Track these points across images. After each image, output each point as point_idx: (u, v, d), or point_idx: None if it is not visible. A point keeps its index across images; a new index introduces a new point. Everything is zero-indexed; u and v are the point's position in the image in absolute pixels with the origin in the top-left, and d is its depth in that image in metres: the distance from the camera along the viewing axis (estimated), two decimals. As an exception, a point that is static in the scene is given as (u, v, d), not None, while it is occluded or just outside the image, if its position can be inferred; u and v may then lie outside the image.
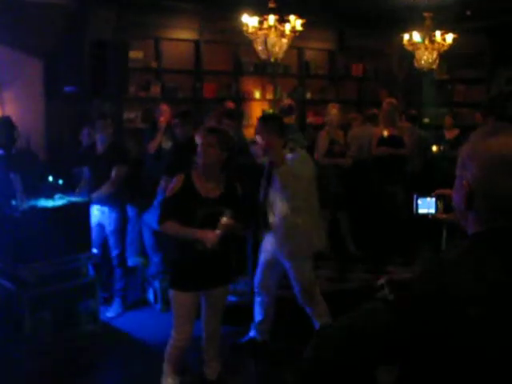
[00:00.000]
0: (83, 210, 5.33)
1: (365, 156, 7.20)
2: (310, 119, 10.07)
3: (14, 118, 5.46)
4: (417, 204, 2.24)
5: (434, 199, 2.20)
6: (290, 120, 6.70)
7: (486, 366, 1.22)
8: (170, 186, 3.78)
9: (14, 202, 4.94)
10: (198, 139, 3.87)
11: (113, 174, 5.56)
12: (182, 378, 3.98)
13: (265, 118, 4.54)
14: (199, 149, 3.74)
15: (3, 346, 4.62)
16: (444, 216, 2.19)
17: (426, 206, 2.22)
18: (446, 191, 2.17)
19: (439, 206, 2.19)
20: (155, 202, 5.80)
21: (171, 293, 3.85)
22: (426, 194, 2.23)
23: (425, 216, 2.23)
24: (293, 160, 4.26)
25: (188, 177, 3.75)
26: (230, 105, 8.15)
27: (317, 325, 4.60)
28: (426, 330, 1.24)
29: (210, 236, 3.60)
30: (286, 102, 7.14)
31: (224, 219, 3.62)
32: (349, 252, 7.17)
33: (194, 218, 3.67)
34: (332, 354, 1.30)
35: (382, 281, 1.34)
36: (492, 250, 1.30)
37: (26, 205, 4.94)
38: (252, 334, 4.87)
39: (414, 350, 1.26)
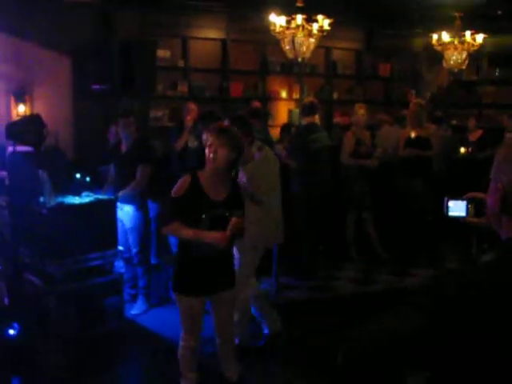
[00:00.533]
0: (109, 208, 5.36)
1: (391, 157, 7.14)
2: (337, 119, 10.02)
3: (43, 116, 5.51)
4: (447, 206, 2.20)
5: (465, 202, 2.16)
6: (311, 119, 6.61)
7: None
8: (175, 186, 3.67)
9: (42, 199, 4.99)
10: (207, 139, 3.74)
11: (137, 173, 5.58)
12: (198, 375, 3.96)
13: (231, 118, 4.60)
14: (209, 150, 3.61)
15: (30, 341, 4.67)
16: (475, 220, 2.15)
17: (457, 209, 2.18)
18: (478, 194, 2.13)
19: (470, 209, 2.15)
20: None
21: (175, 297, 3.80)
22: (456, 196, 2.20)
23: (455, 219, 2.19)
24: (259, 157, 4.50)
25: (195, 178, 3.65)
26: (257, 104, 8.15)
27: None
28: (460, 333, 1.22)
29: (220, 237, 3.52)
30: (308, 100, 7.06)
31: (234, 219, 3.55)
32: (374, 253, 7.12)
33: (200, 220, 3.56)
34: (364, 360, 1.28)
35: (415, 284, 1.33)
36: None
37: (54, 202, 4.98)
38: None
39: (447, 354, 1.24)
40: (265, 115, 9.16)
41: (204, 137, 4.42)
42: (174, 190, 3.64)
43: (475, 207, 2.13)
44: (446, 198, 2.21)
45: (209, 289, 3.73)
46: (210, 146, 3.62)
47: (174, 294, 3.80)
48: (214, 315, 3.88)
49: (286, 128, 8.53)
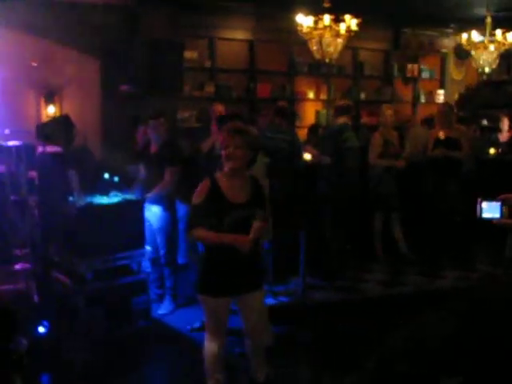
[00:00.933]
0: (137, 208, 5.39)
1: (419, 157, 7.08)
2: (364, 120, 9.96)
3: (71, 117, 5.57)
4: (481, 208, 2.16)
5: (499, 204, 2.12)
6: (344, 119, 6.63)
7: None
8: (196, 191, 3.64)
9: (71, 199, 5.04)
10: (221, 140, 3.67)
11: (165, 175, 5.60)
12: (224, 376, 3.95)
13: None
14: (226, 151, 3.56)
15: (58, 339, 4.72)
16: (509, 221, 2.10)
17: (491, 210, 2.13)
18: None
19: (505, 211, 2.10)
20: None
21: (200, 298, 3.77)
22: (489, 197, 2.15)
23: (489, 221, 2.14)
24: None
25: (214, 182, 3.61)
26: (283, 104, 8.09)
27: None
28: (491, 342, 1.19)
29: (243, 241, 3.49)
30: (343, 101, 7.07)
31: (257, 223, 3.51)
32: (401, 254, 7.05)
33: (222, 224, 3.53)
34: (399, 366, 1.26)
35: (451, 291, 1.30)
36: None
37: (83, 201, 5.02)
38: None
39: (479, 363, 1.21)
40: (292, 115, 9.14)
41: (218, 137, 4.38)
42: (194, 195, 3.61)
43: (509, 209, 2.09)
44: (478, 200, 2.17)
45: (233, 290, 3.69)
46: (226, 146, 3.57)
47: (199, 296, 3.77)
48: (242, 316, 3.84)
49: (313, 129, 8.50)
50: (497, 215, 2.12)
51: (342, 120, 6.63)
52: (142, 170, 5.92)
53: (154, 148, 5.78)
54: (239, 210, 3.56)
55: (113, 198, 5.27)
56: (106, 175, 5.40)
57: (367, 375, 1.30)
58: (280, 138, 6.37)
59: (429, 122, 7.79)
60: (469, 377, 1.27)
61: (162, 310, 5.75)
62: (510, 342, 1.19)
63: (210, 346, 3.82)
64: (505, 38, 8.03)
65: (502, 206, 2.11)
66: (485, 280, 1.52)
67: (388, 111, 7.06)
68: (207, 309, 3.74)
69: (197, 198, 3.59)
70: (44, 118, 7.19)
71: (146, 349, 5.06)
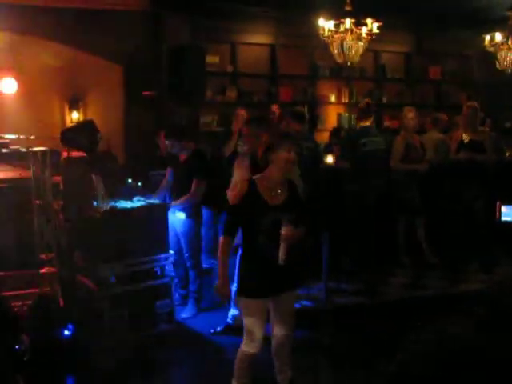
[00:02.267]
0: (161, 213, 5.43)
1: (441, 161, 7.01)
2: (387, 123, 9.92)
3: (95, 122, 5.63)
4: (500, 212, 2.15)
5: None
6: (367, 122, 6.60)
7: None
8: (233, 193, 3.72)
9: (95, 203, 5.09)
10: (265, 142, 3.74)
11: (192, 186, 5.63)
12: (251, 382, 3.97)
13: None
14: (268, 153, 3.67)
15: (83, 341, 4.77)
16: None
17: (511, 214, 2.12)
18: None
19: None
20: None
21: (240, 300, 3.83)
22: (510, 201, 2.14)
23: (508, 224, 2.13)
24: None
25: (253, 183, 3.67)
26: (299, 108, 7.92)
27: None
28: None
29: (219, 287, 3.64)
30: (363, 102, 7.03)
31: (284, 230, 3.53)
32: (425, 258, 7.00)
33: (260, 226, 3.60)
34: (421, 370, 1.26)
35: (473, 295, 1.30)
36: None
37: (107, 206, 5.08)
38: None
39: (501, 364, 1.21)
40: (312, 119, 9.13)
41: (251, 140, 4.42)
42: (232, 196, 3.70)
43: None
44: (498, 203, 2.16)
45: (271, 291, 3.74)
46: (270, 149, 3.65)
47: (239, 299, 3.84)
48: (273, 316, 3.87)
49: (335, 132, 8.49)
50: None
51: (363, 123, 6.61)
52: (169, 174, 5.95)
53: (182, 156, 5.81)
54: (276, 211, 3.61)
55: (136, 203, 5.33)
56: (130, 180, 5.46)
57: (388, 378, 1.31)
58: (304, 146, 6.37)
59: (436, 124, 7.68)
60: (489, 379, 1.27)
61: (186, 313, 5.78)
62: None
63: (245, 349, 3.82)
64: (528, 39, 7.96)
65: None
66: (503, 285, 1.50)
67: (409, 114, 7.00)
68: (246, 311, 3.78)
69: (233, 199, 3.71)
70: (68, 124, 7.28)
71: (168, 352, 5.09)
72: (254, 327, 3.76)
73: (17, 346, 4.21)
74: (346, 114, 9.70)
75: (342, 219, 4.69)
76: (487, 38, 8.17)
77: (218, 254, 3.70)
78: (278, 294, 3.77)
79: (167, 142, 5.81)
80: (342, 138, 7.67)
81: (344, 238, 4.67)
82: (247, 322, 3.78)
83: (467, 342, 1.25)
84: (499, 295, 1.24)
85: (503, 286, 1.24)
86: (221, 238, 3.70)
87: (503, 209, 2.00)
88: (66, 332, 4.65)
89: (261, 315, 3.77)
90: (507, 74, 8.62)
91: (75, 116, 7.53)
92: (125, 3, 7.65)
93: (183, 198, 5.63)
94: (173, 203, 5.62)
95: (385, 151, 6.73)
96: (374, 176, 6.54)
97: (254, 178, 3.72)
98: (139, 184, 5.50)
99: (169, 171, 5.95)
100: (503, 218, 2.01)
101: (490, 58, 8.65)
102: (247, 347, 3.80)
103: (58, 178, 5.40)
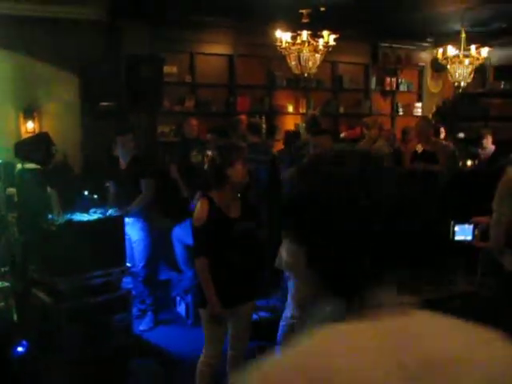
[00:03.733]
0: (117, 224, 5.39)
1: None
2: (344, 133, 10.05)
3: (51, 133, 5.56)
4: (454, 230, 2.21)
5: (471, 226, 2.17)
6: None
7: None
8: (195, 213, 3.73)
9: (50, 216, 5.03)
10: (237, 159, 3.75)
11: (142, 188, 5.62)
12: None
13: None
14: (238, 168, 3.68)
15: (38, 357, 4.69)
16: (481, 244, 2.16)
17: (464, 232, 2.19)
18: (483, 219, 2.15)
19: (477, 234, 2.16)
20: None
21: (201, 311, 3.85)
22: (462, 220, 2.21)
23: (461, 242, 2.20)
24: None
25: (211, 200, 3.71)
26: (255, 120, 7.92)
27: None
28: None
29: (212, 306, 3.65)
30: (310, 113, 7.08)
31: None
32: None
33: (229, 241, 3.67)
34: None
35: None
36: None
37: (63, 219, 5.02)
38: None
39: None
40: (270, 129, 9.20)
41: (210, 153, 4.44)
42: (195, 218, 3.69)
43: (481, 231, 2.15)
44: (452, 222, 2.23)
45: (233, 302, 3.77)
46: (240, 164, 3.68)
47: (200, 310, 3.85)
48: (231, 326, 3.90)
49: (289, 136, 8.47)
50: (469, 237, 2.17)
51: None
52: (112, 187, 5.93)
53: (123, 164, 5.79)
54: (238, 224, 3.67)
55: (93, 215, 5.27)
56: (86, 192, 5.40)
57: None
58: (261, 161, 6.38)
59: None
60: None
61: (143, 325, 5.75)
62: None
63: (205, 361, 3.85)
64: (479, 53, 8.17)
65: (474, 228, 2.16)
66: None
67: (376, 124, 7.12)
68: (206, 322, 3.80)
69: (197, 220, 3.67)
70: (23, 134, 7.16)
71: (126, 365, 5.06)
72: (214, 338, 3.78)
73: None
74: (304, 124, 9.79)
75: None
76: (440, 50, 8.37)
77: (201, 276, 3.69)
78: (238, 305, 3.81)
79: (121, 139, 5.77)
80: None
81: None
82: (207, 333, 3.80)
83: None
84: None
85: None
86: (196, 261, 3.71)
87: (456, 228, 2.06)
88: (20, 348, 4.57)
89: (220, 326, 3.79)
90: (460, 86, 8.84)
91: (30, 126, 7.41)
92: (82, 13, 7.56)
93: (136, 201, 5.60)
94: (128, 208, 5.58)
95: None
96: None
97: (211, 194, 3.75)
98: (95, 196, 5.44)
99: (111, 183, 5.92)
100: (456, 237, 2.06)
101: (442, 70, 8.87)
102: (206, 358, 3.82)
103: (12, 190, 5.31)
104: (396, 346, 1.02)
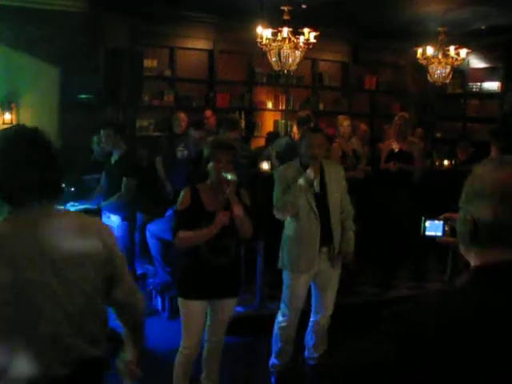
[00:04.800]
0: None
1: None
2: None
3: (29, 125, 5.52)
4: (424, 226, 2.25)
5: (441, 222, 2.20)
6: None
7: None
8: (179, 200, 3.79)
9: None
10: (212, 155, 3.77)
11: (122, 186, 5.61)
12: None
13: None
14: (217, 165, 3.69)
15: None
16: (451, 240, 2.19)
17: (434, 228, 2.22)
18: (454, 215, 2.18)
19: (447, 229, 2.19)
20: (167, 213, 5.85)
21: (179, 301, 3.86)
22: (433, 213, 2.24)
23: (432, 238, 2.23)
24: None
25: (195, 191, 3.76)
26: (232, 116, 7.86)
27: None
28: (427, 364, 1.25)
29: (221, 218, 3.61)
30: (304, 112, 7.11)
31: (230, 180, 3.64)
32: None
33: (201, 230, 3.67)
34: None
35: (386, 312, 1.35)
36: (494, 286, 1.31)
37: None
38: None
39: (416, 381, 1.27)
40: (249, 125, 9.22)
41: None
42: (178, 203, 3.77)
43: (451, 227, 2.18)
44: (423, 218, 2.26)
45: (211, 293, 3.78)
46: (218, 161, 3.69)
47: (178, 300, 3.86)
48: (209, 320, 3.92)
49: (272, 137, 8.53)
50: (439, 233, 2.21)
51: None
52: (103, 180, 5.92)
53: (114, 158, 5.78)
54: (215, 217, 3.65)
55: (70, 208, 5.25)
56: (63, 185, 5.38)
57: None
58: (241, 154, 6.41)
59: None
60: None
61: (119, 320, 5.73)
62: (440, 363, 1.26)
63: (184, 352, 3.86)
64: (458, 54, 8.26)
65: (444, 224, 2.19)
66: (420, 300, 1.56)
67: (345, 122, 7.13)
68: (184, 312, 3.81)
69: (180, 205, 3.75)
70: (0, 126, 7.10)
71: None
72: (190, 328, 3.81)
73: None
74: (283, 121, 9.81)
75: (276, 227, 4.74)
76: (419, 50, 8.44)
77: (185, 242, 3.72)
78: (217, 299, 3.82)
79: (102, 133, 5.76)
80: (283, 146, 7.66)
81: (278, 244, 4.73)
82: (184, 322, 3.82)
83: (380, 359, 1.30)
84: (405, 313, 1.30)
85: (410, 305, 1.29)
86: (175, 238, 3.72)
87: (427, 223, 2.11)
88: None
89: (199, 317, 3.81)
90: (438, 86, 8.93)
91: (8, 117, 7.35)
92: (63, 4, 7.52)
93: (113, 198, 5.60)
94: (103, 203, 5.58)
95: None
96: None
97: (198, 186, 3.80)
98: (72, 189, 5.42)
99: (102, 175, 5.92)
100: (427, 233, 2.11)
101: (422, 70, 8.95)
102: (185, 349, 3.84)
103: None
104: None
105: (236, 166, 5.98)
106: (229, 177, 3.63)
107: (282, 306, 4.47)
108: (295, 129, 7.05)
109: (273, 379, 4.59)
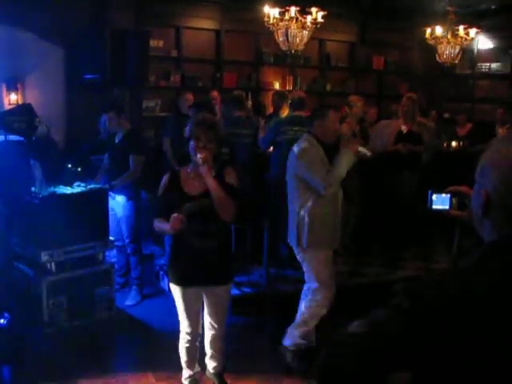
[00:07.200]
0: (101, 198, 5.39)
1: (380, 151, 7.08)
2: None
3: (35, 106, 5.50)
4: (431, 200, 2.23)
5: (448, 196, 2.18)
6: (301, 113, 6.36)
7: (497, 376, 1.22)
8: (160, 184, 3.74)
9: (33, 189, 5.00)
10: (192, 133, 3.68)
11: (131, 163, 5.60)
12: (199, 369, 4.03)
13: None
14: (196, 144, 3.55)
15: (21, 330, 4.70)
16: (458, 213, 2.17)
17: (441, 202, 2.20)
18: (461, 188, 2.16)
19: (453, 202, 2.17)
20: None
21: (172, 287, 3.82)
22: (440, 190, 2.22)
23: (439, 212, 2.21)
24: None
25: (174, 174, 3.71)
26: (239, 93, 7.71)
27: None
28: (437, 339, 1.24)
29: (173, 225, 3.41)
30: (297, 94, 6.98)
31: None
32: (366, 247, 7.06)
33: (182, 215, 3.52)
34: (344, 362, 1.30)
35: (397, 287, 1.34)
36: (507, 260, 1.29)
37: (46, 191, 5.00)
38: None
39: (426, 359, 1.26)
40: (256, 105, 9.15)
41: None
42: (160, 187, 3.72)
43: (458, 201, 2.16)
44: (429, 192, 2.24)
45: (201, 280, 3.72)
46: (197, 140, 3.56)
47: (170, 285, 3.84)
48: (205, 308, 3.89)
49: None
50: (446, 207, 2.19)
51: (297, 113, 6.42)
52: (106, 160, 5.91)
53: (118, 138, 5.77)
54: (196, 200, 3.58)
55: (76, 188, 5.26)
56: (69, 165, 5.38)
57: (316, 371, 1.35)
58: (244, 134, 6.35)
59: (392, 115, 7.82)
60: (417, 374, 1.32)
61: (130, 300, 5.75)
62: (451, 339, 1.24)
63: (183, 337, 3.88)
64: (467, 34, 8.17)
65: (451, 197, 2.17)
66: (426, 277, 1.55)
67: (360, 102, 7.04)
68: (177, 298, 3.79)
69: (160, 189, 3.71)
70: (6, 106, 7.09)
71: (108, 339, 5.08)
72: (186, 314, 3.80)
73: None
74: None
75: (281, 207, 4.73)
76: (428, 31, 8.35)
77: (157, 227, 3.66)
78: (209, 286, 3.77)
79: (105, 116, 5.75)
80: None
81: (283, 224, 4.72)
82: (179, 308, 3.82)
83: (394, 339, 1.29)
84: (419, 289, 1.28)
85: (422, 282, 1.27)
86: (154, 222, 3.68)
87: (434, 197, 2.10)
88: (2, 321, 4.57)
89: (193, 303, 3.79)
90: (446, 67, 8.85)
91: (13, 98, 7.33)
92: (68, -16, 7.46)
93: (123, 176, 5.58)
94: (113, 183, 5.56)
95: None
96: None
97: (179, 168, 3.78)
98: (79, 169, 5.41)
99: (105, 156, 5.91)
100: (434, 206, 2.10)
101: (430, 50, 8.86)
102: (184, 333, 3.88)
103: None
104: None
105: (236, 146, 6.00)
106: (198, 155, 3.50)
107: (314, 284, 4.47)
108: (285, 108, 6.97)
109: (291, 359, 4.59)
